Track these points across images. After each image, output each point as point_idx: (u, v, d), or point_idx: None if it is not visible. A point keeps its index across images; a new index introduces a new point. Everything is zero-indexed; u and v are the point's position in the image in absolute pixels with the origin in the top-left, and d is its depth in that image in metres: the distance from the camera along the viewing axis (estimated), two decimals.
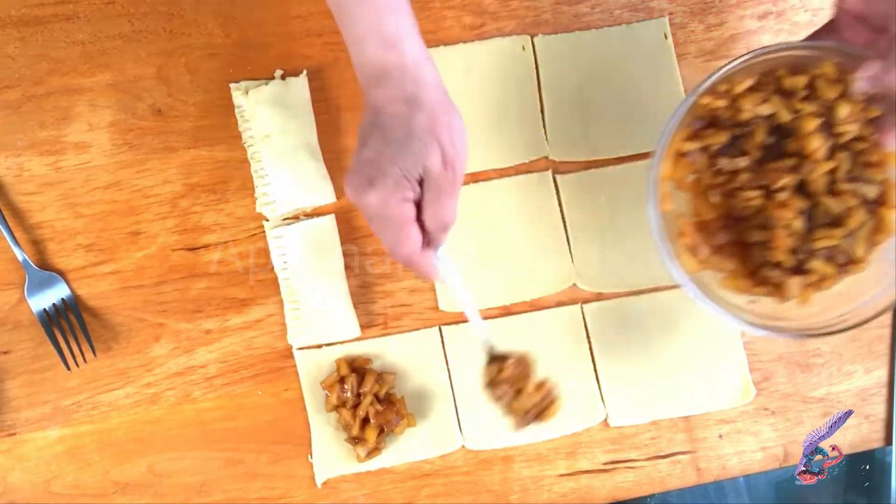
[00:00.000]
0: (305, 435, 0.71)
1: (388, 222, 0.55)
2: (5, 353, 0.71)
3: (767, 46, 0.60)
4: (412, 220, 0.55)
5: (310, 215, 0.73)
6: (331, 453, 0.71)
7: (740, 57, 0.59)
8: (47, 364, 0.71)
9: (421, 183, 0.54)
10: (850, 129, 0.58)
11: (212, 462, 0.71)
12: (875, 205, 0.61)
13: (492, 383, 0.61)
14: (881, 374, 0.74)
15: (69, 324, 0.70)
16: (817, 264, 0.61)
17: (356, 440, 0.69)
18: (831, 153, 0.59)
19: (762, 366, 0.73)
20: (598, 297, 0.73)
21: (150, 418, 0.71)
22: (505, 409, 0.61)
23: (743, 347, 0.73)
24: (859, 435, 0.74)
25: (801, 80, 0.60)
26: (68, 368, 0.70)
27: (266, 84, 0.72)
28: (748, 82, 0.60)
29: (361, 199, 0.54)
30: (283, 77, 0.72)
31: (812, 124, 0.59)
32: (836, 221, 0.60)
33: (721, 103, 0.61)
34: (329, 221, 0.72)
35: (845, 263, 0.61)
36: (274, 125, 0.71)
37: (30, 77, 0.72)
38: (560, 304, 0.73)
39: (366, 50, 0.54)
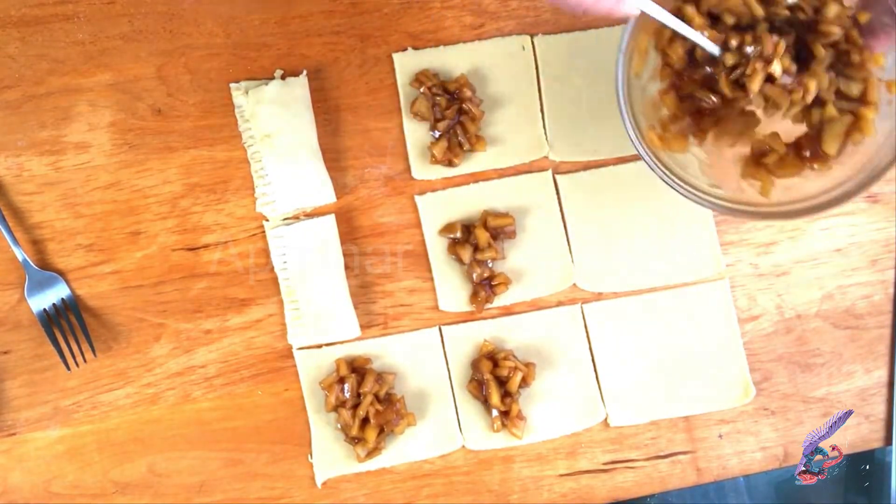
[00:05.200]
0: (305, 435, 0.71)
1: None
2: (5, 353, 0.71)
3: None
4: None
5: (310, 215, 0.73)
6: (331, 453, 0.71)
7: None
8: (47, 364, 0.71)
9: None
10: (835, 31, 0.60)
11: (212, 462, 0.71)
12: (856, 103, 0.62)
13: None
14: (881, 374, 0.74)
15: (69, 324, 0.70)
16: (773, 141, 0.64)
17: (356, 440, 0.69)
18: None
19: (762, 366, 0.73)
20: (598, 297, 0.73)
21: (150, 418, 0.71)
22: None
23: (743, 347, 0.73)
24: (859, 435, 0.74)
25: None
26: (68, 368, 0.70)
27: (266, 84, 0.72)
28: None
29: None
30: (283, 77, 0.72)
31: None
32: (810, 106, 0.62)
33: None
34: (329, 221, 0.72)
35: (812, 157, 0.63)
36: (274, 125, 0.71)
37: (30, 77, 0.72)
38: (560, 304, 0.73)
39: None
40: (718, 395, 0.73)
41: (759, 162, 0.65)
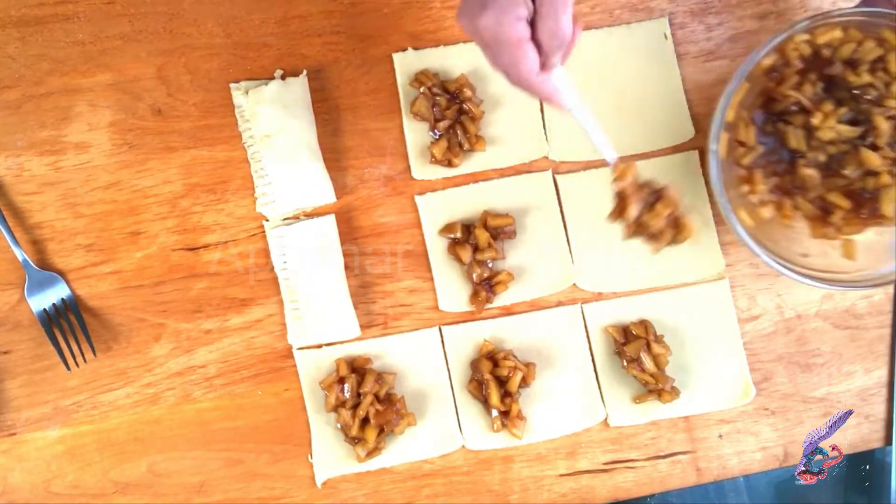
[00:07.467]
0: (305, 435, 0.71)
1: (503, 45, 0.55)
2: (5, 353, 0.71)
3: (829, 12, 0.64)
4: (527, 39, 0.55)
5: (310, 215, 0.73)
6: (331, 453, 0.71)
7: (800, 22, 0.64)
8: (47, 364, 0.71)
9: (533, 0, 0.54)
10: None
11: (212, 462, 0.71)
12: None
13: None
14: (881, 374, 0.74)
15: (69, 324, 0.70)
16: (836, 198, 0.66)
17: (356, 440, 0.69)
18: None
19: (762, 366, 0.73)
20: (598, 297, 0.73)
21: (150, 418, 0.71)
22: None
23: (743, 347, 0.73)
24: (859, 435, 0.74)
25: (874, 52, 0.63)
26: (68, 368, 0.70)
27: (266, 84, 0.72)
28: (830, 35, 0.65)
29: (475, 23, 0.54)
30: (283, 77, 0.72)
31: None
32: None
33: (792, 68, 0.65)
34: (329, 221, 0.72)
35: (871, 217, 0.66)
36: (274, 125, 0.71)
37: (30, 77, 0.72)
38: (560, 304, 0.73)
39: None
40: (718, 395, 0.73)
41: (825, 221, 0.67)
